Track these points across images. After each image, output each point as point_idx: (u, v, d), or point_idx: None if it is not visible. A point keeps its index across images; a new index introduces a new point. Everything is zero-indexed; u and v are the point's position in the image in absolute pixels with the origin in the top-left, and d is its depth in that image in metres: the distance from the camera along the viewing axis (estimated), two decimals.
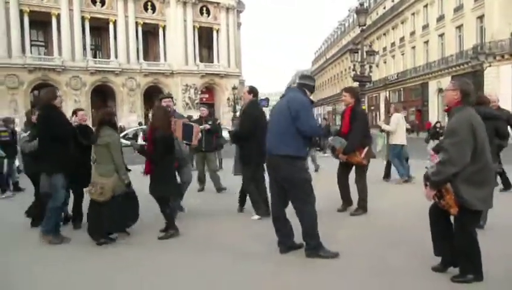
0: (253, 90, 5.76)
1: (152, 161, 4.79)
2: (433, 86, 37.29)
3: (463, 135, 3.09)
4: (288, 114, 3.92)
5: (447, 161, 3.13)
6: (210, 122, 7.85)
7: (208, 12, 50.34)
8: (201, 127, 7.11)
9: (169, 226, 4.84)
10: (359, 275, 3.61)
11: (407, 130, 9.10)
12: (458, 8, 33.62)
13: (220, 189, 7.83)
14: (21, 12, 40.84)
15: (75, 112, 5.72)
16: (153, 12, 48.09)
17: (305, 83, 4.24)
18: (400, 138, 8.55)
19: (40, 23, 43.72)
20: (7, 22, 40.05)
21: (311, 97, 4.27)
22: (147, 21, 47.57)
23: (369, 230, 5.02)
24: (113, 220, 4.58)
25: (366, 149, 5.78)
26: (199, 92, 49.36)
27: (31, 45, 43.24)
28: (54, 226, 4.72)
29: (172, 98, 6.51)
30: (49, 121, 4.64)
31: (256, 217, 5.56)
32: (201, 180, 8.04)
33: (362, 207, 5.82)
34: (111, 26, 45.65)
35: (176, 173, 5.35)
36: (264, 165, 4.64)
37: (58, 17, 42.72)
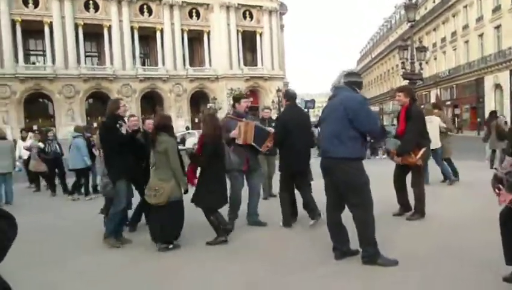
0: (287, 95, 5.50)
1: (199, 166, 4.79)
2: (489, 82, 35.18)
3: None
4: (343, 115, 3.75)
5: None
6: (273, 124, 7.43)
7: (251, 16, 50.73)
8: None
9: (218, 234, 4.81)
10: (420, 285, 3.39)
11: (445, 131, 8.42)
12: None
13: (271, 195, 7.54)
14: (76, 26, 43.24)
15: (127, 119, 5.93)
16: (198, 19, 49.21)
17: (353, 81, 4.04)
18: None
19: (93, 35, 46.04)
20: (64, 35, 42.53)
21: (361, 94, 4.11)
22: (192, 28, 48.75)
23: (428, 236, 4.74)
24: (168, 226, 4.61)
25: (422, 150, 5.46)
26: (245, 96, 49.72)
27: (85, 56, 45.65)
28: (115, 230, 4.86)
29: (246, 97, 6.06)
30: (110, 130, 4.84)
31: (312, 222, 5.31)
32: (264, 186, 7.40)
33: (419, 212, 5.52)
34: (158, 34, 47.21)
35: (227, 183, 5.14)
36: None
37: (109, 28, 44.85)
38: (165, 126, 4.76)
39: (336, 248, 4.03)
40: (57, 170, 9.33)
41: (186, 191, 4.73)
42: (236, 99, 5.87)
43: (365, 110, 3.81)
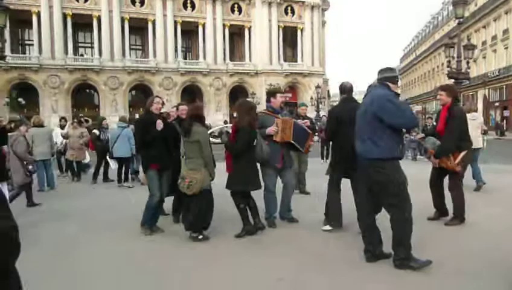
0: (340, 88, 5.25)
1: (233, 154, 4.88)
2: None
3: None
4: (373, 114, 3.70)
5: None
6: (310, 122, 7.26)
7: (293, 12, 50.38)
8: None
9: (244, 223, 4.90)
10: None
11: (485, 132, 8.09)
12: None
13: (304, 192, 7.56)
14: (122, 20, 44.66)
15: (177, 107, 6.21)
16: (239, 14, 49.45)
17: (385, 76, 3.94)
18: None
19: (138, 28, 47.37)
20: (110, 29, 44.08)
21: (396, 90, 3.99)
22: (233, 22, 49.07)
23: (464, 243, 4.59)
24: (200, 215, 4.74)
25: (462, 154, 5.23)
26: (283, 91, 49.56)
27: (130, 49, 47.09)
28: (150, 219, 5.08)
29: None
30: (141, 124, 5.21)
31: (328, 227, 5.08)
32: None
33: (459, 217, 5.31)
34: (200, 28, 47.89)
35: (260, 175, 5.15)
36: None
37: (153, 22, 45.98)
38: (198, 116, 4.85)
39: (367, 250, 3.99)
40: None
41: (212, 179, 4.87)
42: (272, 93, 5.65)
43: (392, 104, 3.71)
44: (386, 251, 3.94)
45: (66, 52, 43.47)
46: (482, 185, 7.77)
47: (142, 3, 45.85)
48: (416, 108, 60.27)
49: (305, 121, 6.84)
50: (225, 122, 37.87)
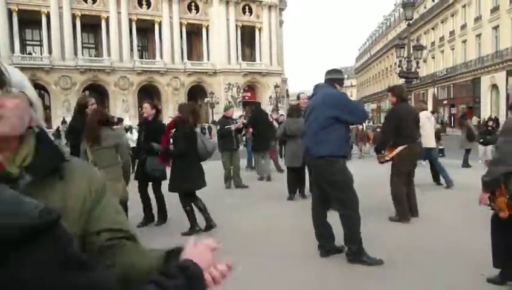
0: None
1: (172, 154, 4.82)
2: (486, 82, 35.27)
3: None
4: (325, 112, 3.78)
5: (497, 159, 3.02)
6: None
7: (250, 11, 50.54)
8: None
9: (192, 225, 4.87)
10: (404, 285, 3.42)
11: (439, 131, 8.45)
12: None
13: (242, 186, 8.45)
14: (73, 16, 42.94)
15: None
16: (197, 13, 48.97)
17: (333, 78, 4.09)
18: (425, 140, 7.34)
19: (91, 26, 45.73)
20: (61, 26, 42.25)
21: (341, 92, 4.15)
22: (190, 21, 48.51)
23: (415, 237, 4.77)
24: None
25: (398, 149, 5.41)
26: (241, 91, 49.70)
27: (83, 47, 45.36)
28: None
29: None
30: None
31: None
32: (228, 178, 8.53)
33: (398, 213, 5.44)
34: (156, 27, 46.97)
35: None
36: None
37: (107, 20, 44.53)
38: (104, 120, 4.42)
39: (321, 245, 4.06)
40: None
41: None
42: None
43: (345, 100, 3.88)
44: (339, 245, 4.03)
45: (12, 50, 41.23)
46: (451, 182, 7.83)
47: (93, 0, 44.29)
48: (371, 106, 62.45)
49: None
50: None
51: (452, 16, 41.49)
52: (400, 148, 5.41)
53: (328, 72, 4.14)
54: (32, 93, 1.02)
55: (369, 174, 8.47)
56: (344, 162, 3.94)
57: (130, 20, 45.57)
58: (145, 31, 48.48)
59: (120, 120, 11.66)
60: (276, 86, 42.76)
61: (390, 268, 3.71)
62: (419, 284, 3.40)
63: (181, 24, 47.87)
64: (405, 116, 5.49)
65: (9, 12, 40.91)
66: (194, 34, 50.79)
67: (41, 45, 44.89)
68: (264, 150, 9.31)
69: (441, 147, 12.12)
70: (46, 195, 0.94)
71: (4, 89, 0.90)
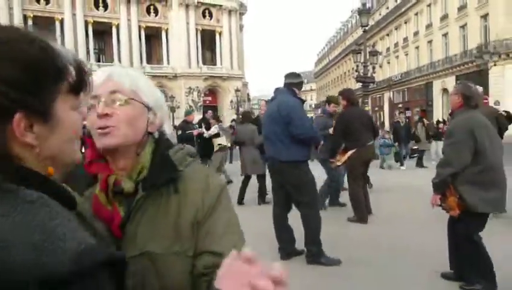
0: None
1: None
2: (437, 86, 37.06)
3: (459, 136, 3.08)
4: (280, 119, 3.82)
5: (444, 161, 3.18)
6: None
7: (211, 15, 50.40)
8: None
9: None
10: (361, 283, 3.50)
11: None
12: (462, 7, 33.40)
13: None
14: (24, 18, 41.13)
15: None
16: (156, 16, 48.23)
17: (291, 82, 4.08)
18: None
19: (44, 27, 43.95)
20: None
21: (300, 96, 4.15)
22: (149, 24, 47.70)
23: (371, 237, 4.90)
24: None
25: (348, 153, 5.55)
26: (202, 95, 49.36)
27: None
28: None
29: None
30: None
31: None
32: None
33: (356, 214, 5.58)
34: (114, 30, 45.83)
35: None
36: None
37: (61, 21, 42.97)
38: None
39: (281, 248, 4.08)
40: None
41: None
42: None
43: (297, 114, 3.84)
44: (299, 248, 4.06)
45: None
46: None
47: (47, 1, 42.64)
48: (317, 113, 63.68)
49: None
50: None
51: (405, 23, 43.32)
52: (350, 152, 5.53)
53: (287, 76, 4.15)
54: (150, 94, 0.98)
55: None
56: (307, 164, 3.99)
57: (86, 22, 44.19)
58: (102, 33, 47.15)
59: None
60: (237, 90, 42.78)
61: (350, 267, 3.79)
62: (377, 282, 3.49)
63: (140, 27, 46.97)
64: (353, 120, 5.55)
65: (25, 18, 39.92)
66: (153, 38, 49.96)
67: None
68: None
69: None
70: (160, 210, 0.92)
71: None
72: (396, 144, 12.31)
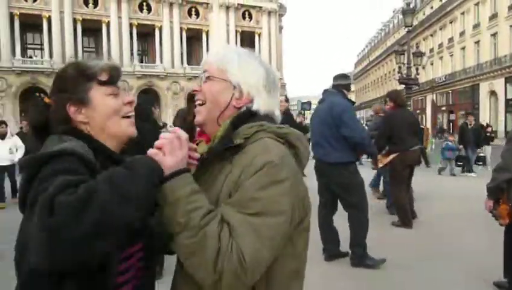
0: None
1: None
2: (484, 88, 35.48)
3: None
4: (331, 121, 3.84)
5: (500, 166, 3.08)
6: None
7: (250, 17, 50.77)
8: None
9: None
10: (405, 287, 3.49)
11: None
12: None
13: None
14: (74, 21, 43.10)
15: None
16: (197, 18, 49.17)
17: (340, 84, 4.10)
18: None
19: (91, 30, 45.88)
20: (62, 30, 42.41)
21: (350, 97, 4.17)
22: (190, 26, 48.69)
23: (414, 242, 4.84)
24: None
25: (390, 157, 5.43)
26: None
27: (83, 51, 45.46)
28: None
29: None
30: None
31: None
32: None
33: (400, 219, 5.48)
34: (157, 32, 47.14)
35: None
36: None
37: (108, 24, 44.71)
38: None
39: (326, 249, 4.12)
40: None
41: None
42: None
43: (349, 116, 3.86)
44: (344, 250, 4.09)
45: (13, 53, 41.33)
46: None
47: (95, 4, 44.48)
48: (370, 112, 62.55)
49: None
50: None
51: (451, 22, 41.78)
52: (392, 156, 5.41)
53: (336, 78, 4.16)
54: (239, 73, 1.07)
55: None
56: (355, 166, 4.00)
57: (131, 25, 45.73)
58: (145, 35, 48.63)
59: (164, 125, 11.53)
60: None
61: (393, 271, 3.78)
62: (421, 287, 3.46)
63: (181, 29, 48.04)
64: (398, 123, 5.43)
65: (11, 16, 41.00)
66: (194, 39, 50.97)
67: (42, 49, 44.94)
68: None
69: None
70: (213, 176, 1.03)
71: (118, 83, 1.12)
72: (462, 147, 11.53)
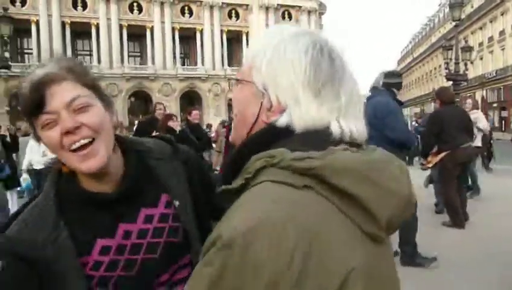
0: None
1: None
2: None
3: None
4: (376, 122, 3.78)
5: None
6: None
7: (290, 17, 50.70)
8: None
9: None
10: (454, 287, 3.42)
11: None
12: None
13: None
14: (120, 27, 44.93)
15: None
16: (237, 20, 49.76)
17: (390, 82, 3.99)
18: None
19: (136, 35, 47.61)
20: (109, 36, 44.34)
21: (398, 97, 4.07)
22: (231, 28, 49.36)
23: (469, 240, 4.71)
24: None
25: (440, 155, 5.25)
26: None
27: (129, 56, 47.30)
28: None
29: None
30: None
31: None
32: None
33: (450, 218, 5.33)
34: (198, 34, 48.17)
35: None
36: None
37: (151, 29, 46.24)
38: None
39: None
40: None
41: None
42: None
43: (393, 116, 3.76)
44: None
45: None
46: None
47: (140, 10, 46.12)
48: (415, 110, 60.63)
49: None
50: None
51: (502, 14, 39.67)
52: (442, 154, 5.24)
53: (386, 76, 4.04)
54: (270, 71, 0.69)
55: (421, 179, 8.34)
56: None
57: (173, 29, 47.04)
58: (187, 38, 49.81)
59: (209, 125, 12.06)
60: None
61: (444, 271, 3.71)
62: (469, 286, 3.38)
63: (222, 31, 48.81)
64: (446, 120, 5.26)
65: (63, 25, 43.42)
66: (234, 41, 51.60)
67: (91, 55, 47.17)
68: None
69: None
70: None
71: (51, 106, 0.83)
72: None
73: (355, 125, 0.70)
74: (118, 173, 0.93)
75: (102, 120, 0.87)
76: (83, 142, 0.83)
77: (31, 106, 0.82)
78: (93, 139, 0.84)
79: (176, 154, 1.04)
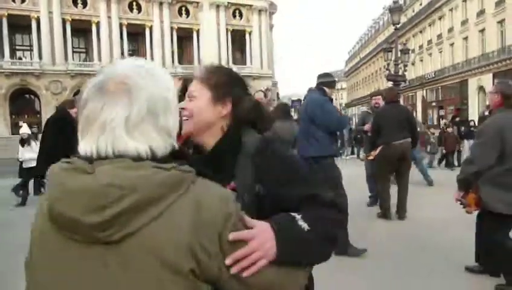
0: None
1: None
2: (473, 84, 35.94)
3: (487, 136, 3.12)
4: (306, 117, 4.06)
5: (469, 159, 3.25)
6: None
7: (241, 15, 50.85)
8: None
9: None
10: (381, 275, 3.64)
11: None
12: (499, 2, 32.24)
13: None
14: (63, 21, 42.89)
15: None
16: (187, 17, 49.16)
17: (322, 81, 4.31)
18: None
19: (81, 31, 45.66)
20: (51, 31, 42.16)
21: (331, 95, 4.34)
22: (181, 25, 48.68)
23: (398, 232, 5.00)
24: None
25: (378, 149, 5.71)
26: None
27: (73, 52, 45.26)
28: None
29: None
30: None
31: None
32: None
33: (381, 209, 5.76)
34: (147, 31, 47.07)
35: None
36: None
37: (97, 24, 44.52)
38: None
39: None
40: None
41: None
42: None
43: (321, 107, 4.06)
44: None
45: (2, 55, 41.00)
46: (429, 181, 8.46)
47: (84, 4, 44.25)
48: (362, 109, 62.90)
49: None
50: None
51: (440, 19, 42.20)
52: (378, 149, 5.71)
53: (319, 77, 4.39)
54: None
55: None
56: (332, 160, 4.16)
57: (121, 25, 45.58)
58: (135, 35, 48.52)
59: None
60: (266, 90, 42.92)
61: (372, 260, 3.93)
62: (397, 274, 3.62)
63: (172, 28, 48.02)
64: (384, 118, 5.70)
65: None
66: (184, 39, 50.93)
67: (31, 50, 44.63)
68: None
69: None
70: None
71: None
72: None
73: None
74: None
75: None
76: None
77: None
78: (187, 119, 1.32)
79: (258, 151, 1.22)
